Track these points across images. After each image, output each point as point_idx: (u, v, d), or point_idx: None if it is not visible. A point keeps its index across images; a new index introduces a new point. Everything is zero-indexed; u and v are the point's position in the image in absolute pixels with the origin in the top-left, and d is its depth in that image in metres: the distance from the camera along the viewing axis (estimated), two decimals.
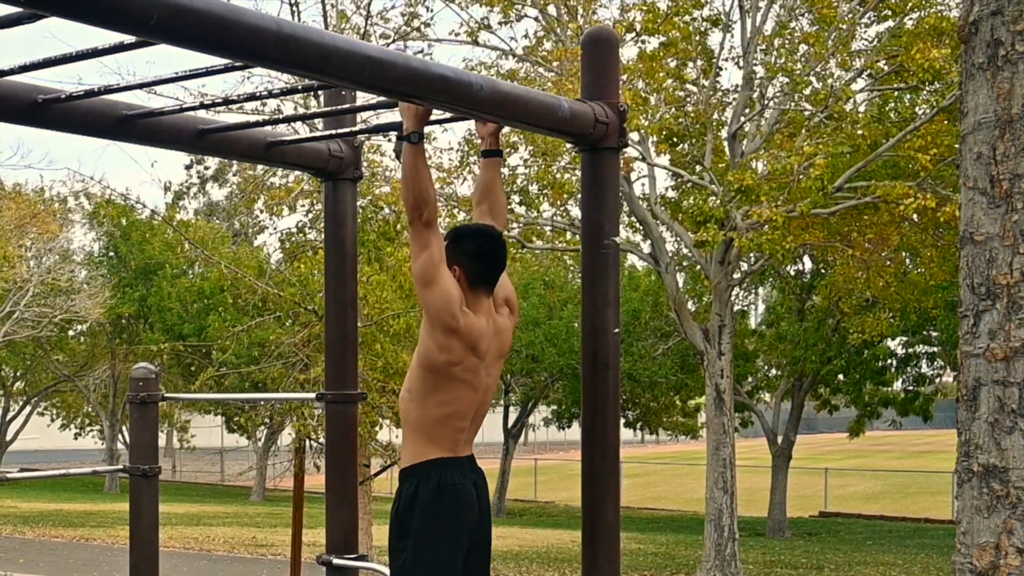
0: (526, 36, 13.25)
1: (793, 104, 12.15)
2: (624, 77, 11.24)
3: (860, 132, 11.70)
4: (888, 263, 13.83)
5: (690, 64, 12.41)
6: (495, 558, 14.02)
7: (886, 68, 12.25)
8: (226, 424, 26.96)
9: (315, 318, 9.90)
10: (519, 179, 12.82)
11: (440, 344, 2.97)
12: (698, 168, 12.77)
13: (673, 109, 12.06)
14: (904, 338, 19.49)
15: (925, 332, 19.20)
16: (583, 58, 3.15)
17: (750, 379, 21.17)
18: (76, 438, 29.83)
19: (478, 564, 3.14)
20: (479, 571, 3.15)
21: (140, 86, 2.91)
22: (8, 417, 28.62)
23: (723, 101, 12.69)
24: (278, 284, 11.26)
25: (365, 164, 9.95)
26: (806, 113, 12.03)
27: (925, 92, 11.90)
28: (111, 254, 25.44)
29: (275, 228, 23.30)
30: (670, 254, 13.77)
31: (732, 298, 13.34)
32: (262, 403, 12.07)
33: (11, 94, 2.70)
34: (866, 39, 12.70)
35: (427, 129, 2.93)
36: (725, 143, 12.53)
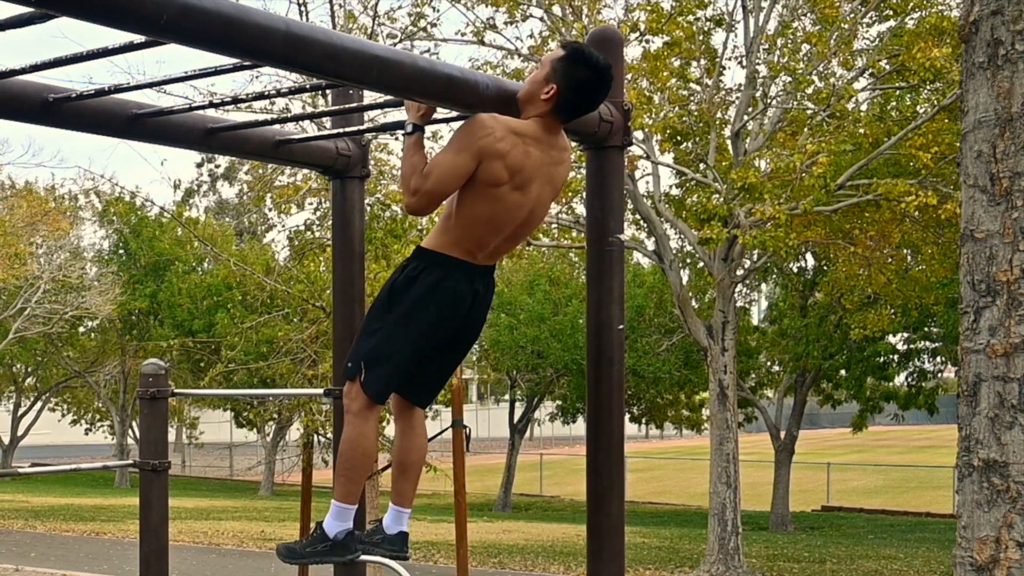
0: (531, 36, 13.31)
1: (796, 103, 12.23)
2: (628, 76, 11.32)
3: (862, 130, 11.78)
4: (890, 260, 13.90)
5: (694, 63, 12.50)
6: (501, 551, 14.14)
7: (887, 67, 12.33)
8: (235, 419, 27.11)
9: (323, 315, 9.97)
10: None
11: (488, 172, 2.84)
12: (702, 166, 12.86)
13: (677, 108, 12.15)
14: (905, 334, 19.54)
15: (926, 328, 19.24)
16: None
17: (753, 375, 21.23)
18: (87, 433, 29.92)
19: (443, 360, 3.11)
20: (441, 369, 3.13)
21: (150, 85, 2.92)
22: (20, 413, 28.71)
23: (726, 100, 12.77)
24: (286, 281, 11.32)
25: (372, 162, 10.04)
26: (808, 112, 12.12)
27: (926, 91, 11.95)
28: (121, 251, 25.55)
29: (284, 226, 23.46)
30: (674, 251, 13.86)
31: (735, 295, 13.43)
32: (271, 399, 12.14)
33: (23, 93, 2.71)
34: (868, 38, 12.78)
35: (434, 127, 2.98)
36: (728, 141, 12.62)
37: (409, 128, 2.87)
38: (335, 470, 3.14)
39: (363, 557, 3.41)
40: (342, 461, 3.08)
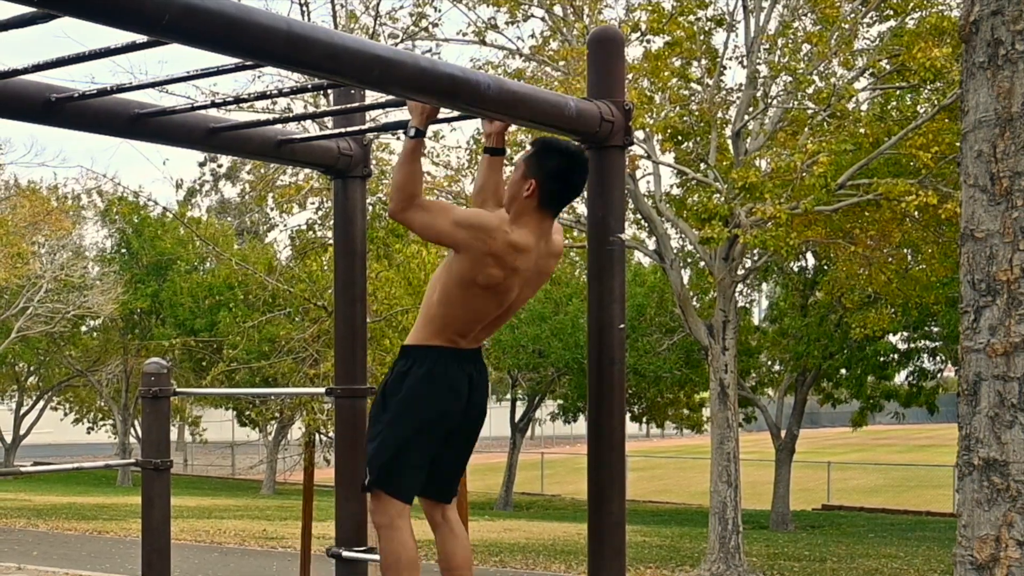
0: (533, 36, 13.35)
1: (796, 103, 12.25)
2: (629, 76, 11.34)
3: (862, 130, 11.79)
4: (890, 259, 13.91)
5: (694, 63, 12.52)
6: (502, 550, 14.16)
7: (888, 67, 12.35)
8: (237, 418, 27.15)
9: (325, 314, 9.98)
10: None
11: (478, 266, 2.90)
12: (702, 166, 12.88)
13: (678, 108, 12.17)
14: (906, 333, 19.57)
15: (926, 327, 19.28)
16: (589, 57, 3.15)
17: (754, 374, 21.26)
18: (89, 432, 29.94)
19: (455, 452, 3.10)
20: (454, 460, 3.12)
21: (152, 85, 2.90)
22: (22, 412, 28.77)
23: (727, 100, 12.80)
24: (288, 280, 11.34)
25: (374, 162, 10.08)
26: (809, 111, 12.14)
27: (926, 91, 11.96)
28: (123, 250, 25.60)
29: (285, 225, 23.51)
30: (675, 251, 13.89)
31: (736, 294, 13.45)
32: (272, 398, 12.14)
33: (25, 93, 2.70)
34: (868, 38, 12.80)
35: (436, 127, 2.98)
36: (729, 141, 12.64)
37: (412, 132, 2.87)
38: None
39: (364, 557, 3.41)
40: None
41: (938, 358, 20.68)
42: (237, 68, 2.59)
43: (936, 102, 11.44)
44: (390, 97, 2.94)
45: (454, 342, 3.02)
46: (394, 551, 2.99)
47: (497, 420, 35.49)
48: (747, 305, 21.70)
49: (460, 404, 3.04)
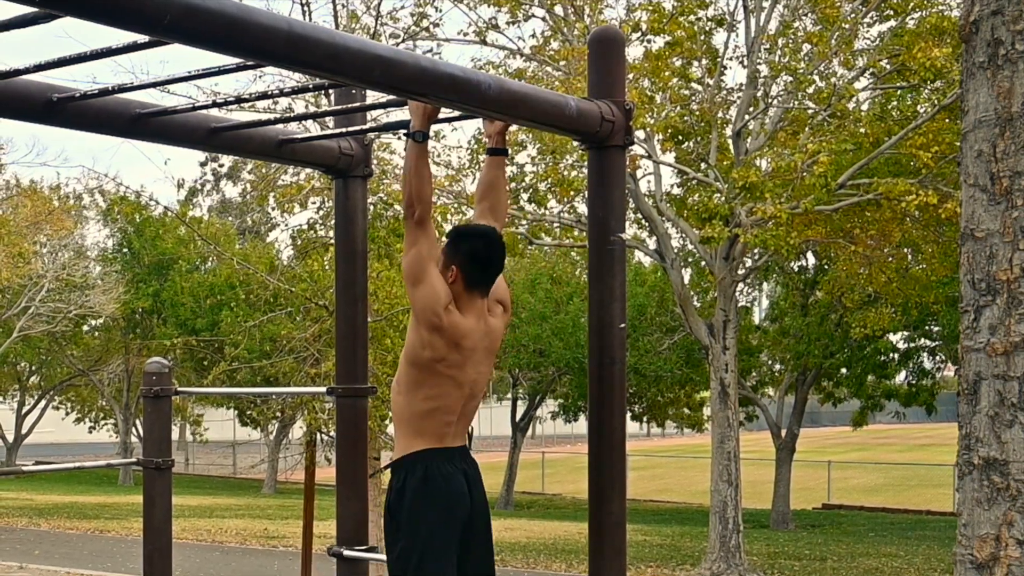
0: (533, 36, 13.39)
1: (796, 102, 12.27)
2: (630, 76, 11.37)
3: (862, 130, 11.82)
4: (890, 259, 13.94)
5: (695, 63, 12.54)
6: (503, 549, 14.18)
7: (888, 67, 12.37)
8: (238, 418, 27.14)
9: (326, 313, 10.00)
10: (527, 176, 12.96)
11: (424, 340, 2.97)
12: (703, 165, 12.91)
13: (678, 107, 12.19)
14: (906, 333, 19.60)
15: (927, 327, 19.30)
16: (590, 57, 3.14)
17: (754, 373, 21.28)
18: (90, 432, 29.98)
19: (478, 556, 3.09)
20: (480, 565, 3.10)
21: (153, 85, 2.90)
22: (24, 411, 28.81)
23: (727, 100, 12.82)
24: (289, 280, 11.36)
25: (375, 162, 10.11)
26: (809, 111, 12.16)
27: (926, 91, 11.99)
28: (125, 250, 25.65)
29: (287, 225, 23.53)
30: (676, 250, 13.91)
31: (736, 294, 13.48)
32: (274, 397, 12.17)
33: (27, 93, 2.70)
34: (868, 38, 12.82)
35: (437, 127, 2.94)
36: (729, 141, 12.67)
37: (419, 137, 2.88)
38: None
39: (365, 556, 3.41)
40: None
41: (938, 357, 20.71)
42: (238, 68, 2.60)
43: (936, 102, 11.47)
44: (391, 97, 2.95)
45: (439, 440, 3.04)
46: None
47: (498, 419, 35.60)
48: (748, 304, 21.74)
49: (465, 501, 3.05)
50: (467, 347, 3.03)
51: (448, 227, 3.10)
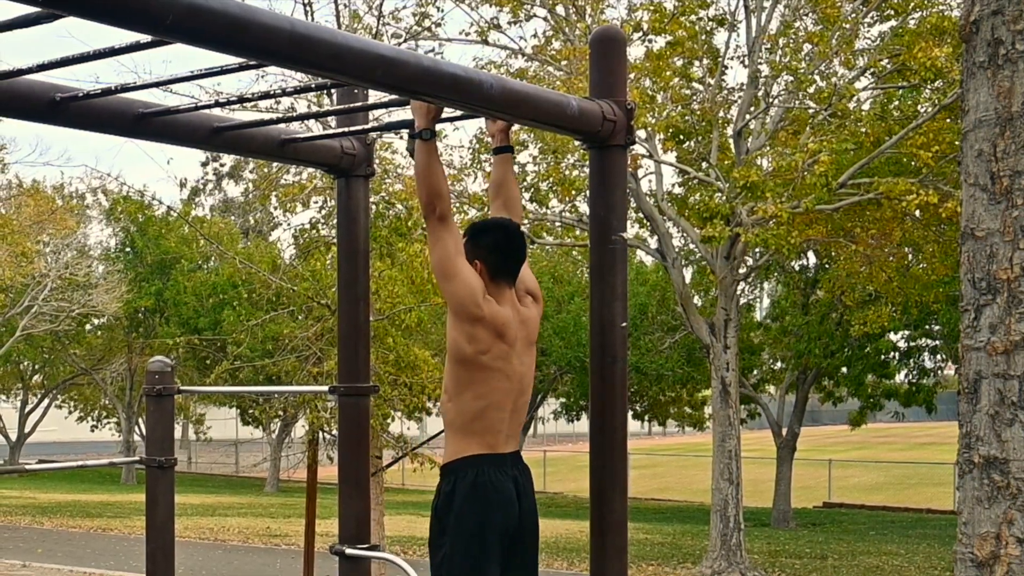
0: (535, 35, 13.46)
1: (797, 102, 12.31)
2: (631, 76, 11.39)
3: (863, 130, 11.85)
4: (891, 258, 13.96)
5: (696, 63, 12.57)
6: None
7: (889, 67, 12.40)
8: (241, 416, 27.19)
9: (328, 312, 10.01)
10: (529, 176, 13.00)
11: (467, 335, 2.97)
12: (704, 165, 12.94)
13: (679, 107, 12.22)
14: (906, 332, 19.62)
15: (927, 326, 19.33)
16: (591, 57, 3.14)
17: (755, 372, 21.31)
18: (93, 430, 30.06)
19: (522, 562, 3.08)
20: (523, 571, 3.10)
21: (156, 84, 2.89)
22: (27, 410, 28.87)
23: (728, 99, 12.85)
24: (292, 279, 11.38)
25: (377, 161, 10.13)
26: (810, 111, 12.19)
27: (927, 90, 12.02)
28: (128, 249, 25.71)
29: (289, 224, 23.59)
30: (677, 249, 13.95)
31: (738, 292, 13.51)
32: (276, 396, 12.16)
33: (30, 93, 2.69)
34: (869, 38, 12.85)
35: (438, 127, 2.92)
36: (731, 140, 12.70)
37: (427, 135, 2.88)
38: None
39: (368, 554, 3.41)
40: None
41: (938, 356, 20.74)
42: (241, 68, 2.59)
43: (937, 101, 11.49)
44: (393, 97, 2.96)
45: (491, 446, 3.03)
46: None
47: None
48: (749, 303, 21.76)
49: (513, 510, 3.04)
50: (509, 336, 3.03)
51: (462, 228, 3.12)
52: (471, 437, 3.02)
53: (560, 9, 12.48)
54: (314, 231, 12.03)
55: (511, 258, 3.11)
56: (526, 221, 13.16)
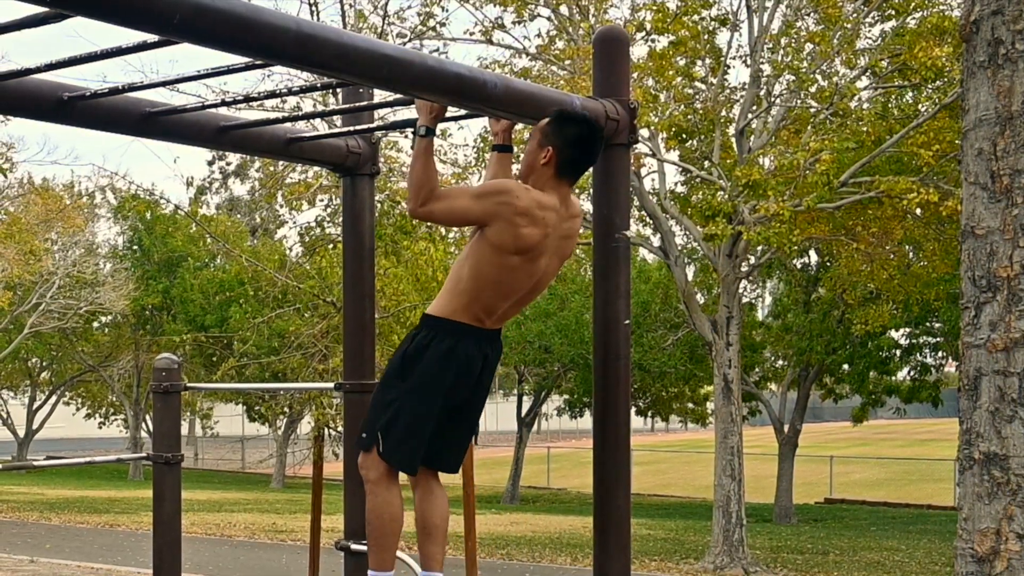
0: (539, 35, 13.51)
1: (799, 101, 12.37)
2: (634, 75, 11.46)
3: (864, 129, 11.90)
4: (892, 256, 14.02)
5: (699, 62, 12.63)
6: (509, 543, 14.30)
7: (889, 66, 12.45)
8: (247, 413, 27.28)
9: (334, 310, 10.06)
10: None
11: (498, 262, 2.92)
12: (707, 164, 13.01)
13: (682, 106, 12.28)
14: (907, 329, 19.68)
15: (928, 323, 19.37)
16: (595, 56, 3.18)
17: (757, 369, 21.37)
18: (101, 427, 30.14)
19: (461, 426, 3.13)
20: (461, 435, 3.15)
21: (163, 84, 2.92)
22: (35, 406, 28.98)
23: (731, 99, 12.91)
24: (298, 277, 11.44)
25: (382, 160, 10.20)
26: (812, 110, 12.26)
27: (928, 90, 12.06)
28: (135, 247, 25.80)
29: (295, 222, 23.68)
30: (679, 247, 14.02)
31: (740, 290, 13.57)
32: (282, 392, 12.22)
33: (38, 92, 2.71)
34: (870, 38, 12.91)
35: (443, 125, 2.91)
36: (733, 139, 12.77)
37: (423, 131, 2.89)
38: (368, 543, 3.14)
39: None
40: (371, 531, 3.08)
41: (939, 354, 20.79)
42: (247, 67, 2.62)
43: (937, 101, 11.55)
44: (398, 95, 2.98)
45: (480, 320, 3.00)
46: (379, 507, 3.04)
47: (504, 414, 35.68)
48: (751, 301, 21.81)
49: (471, 382, 3.05)
50: (552, 225, 2.94)
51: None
52: (466, 308, 2.99)
53: (564, 9, 12.54)
54: (320, 229, 12.13)
55: (585, 158, 2.97)
56: None
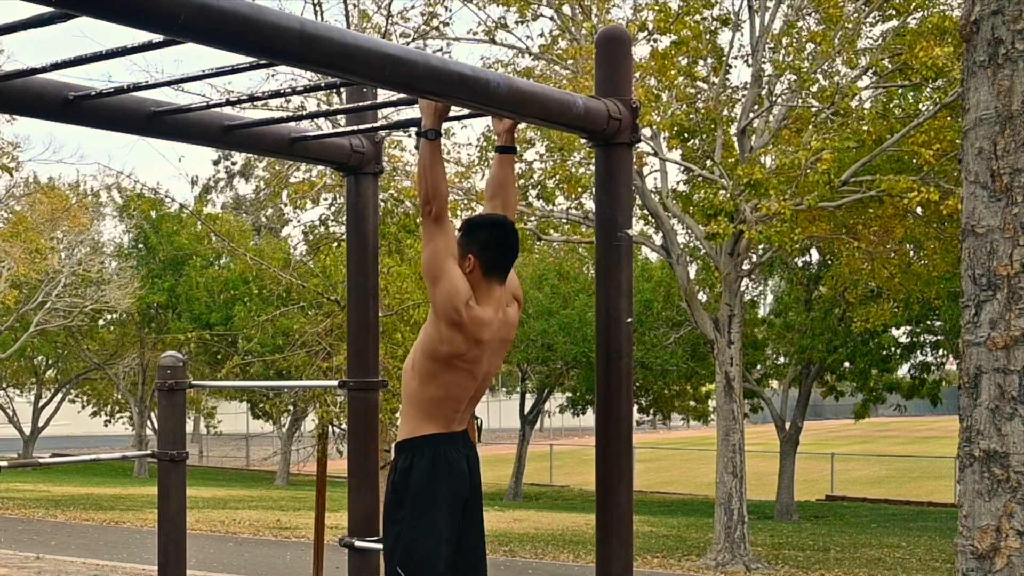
0: (542, 35, 13.59)
1: (801, 101, 12.41)
2: (637, 75, 11.50)
3: (865, 128, 11.92)
4: (892, 255, 14.07)
5: (701, 62, 12.67)
6: (512, 540, 14.36)
7: (890, 66, 12.49)
8: (251, 410, 27.39)
9: (338, 308, 10.09)
10: (536, 173, 13.08)
11: (443, 336, 3.00)
12: (708, 163, 13.05)
13: (684, 106, 12.32)
14: (908, 327, 19.74)
15: (928, 321, 19.43)
16: (597, 56, 3.16)
17: (759, 367, 21.41)
18: (106, 424, 30.21)
19: (474, 537, 3.18)
20: (475, 542, 3.20)
21: (168, 83, 2.91)
22: (40, 404, 29.09)
23: (733, 98, 12.95)
24: (302, 275, 11.48)
25: (386, 159, 10.26)
26: (813, 109, 12.31)
27: (928, 89, 12.09)
28: (140, 246, 25.88)
29: (299, 221, 23.72)
30: (681, 246, 14.04)
31: (742, 289, 13.61)
32: (286, 390, 12.24)
33: (44, 91, 2.71)
34: (871, 38, 12.93)
35: (447, 125, 2.97)
36: (735, 139, 12.81)
37: (431, 135, 2.92)
38: None
39: (376, 546, 3.45)
40: None
41: (940, 352, 20.84)
42: (251, 67, 2.63)
43: (938, 100, 11.59)
44: (402, 95, 2.99)
45: (447, 426, 3.11)
46: None
47: (507, 412, 35.75)
48: (753, 299, 21.87)
49: (466, 483, 3.13)
50: (485, 340, 3.07)
51: (458, 223, 3.11)
52: (429, 419, 3.10)
53: (566, 9, 12.59)
54: (324, 228, 12.18)
55: (504, 255, 3.12)
56: (533, 218, 13.30)
